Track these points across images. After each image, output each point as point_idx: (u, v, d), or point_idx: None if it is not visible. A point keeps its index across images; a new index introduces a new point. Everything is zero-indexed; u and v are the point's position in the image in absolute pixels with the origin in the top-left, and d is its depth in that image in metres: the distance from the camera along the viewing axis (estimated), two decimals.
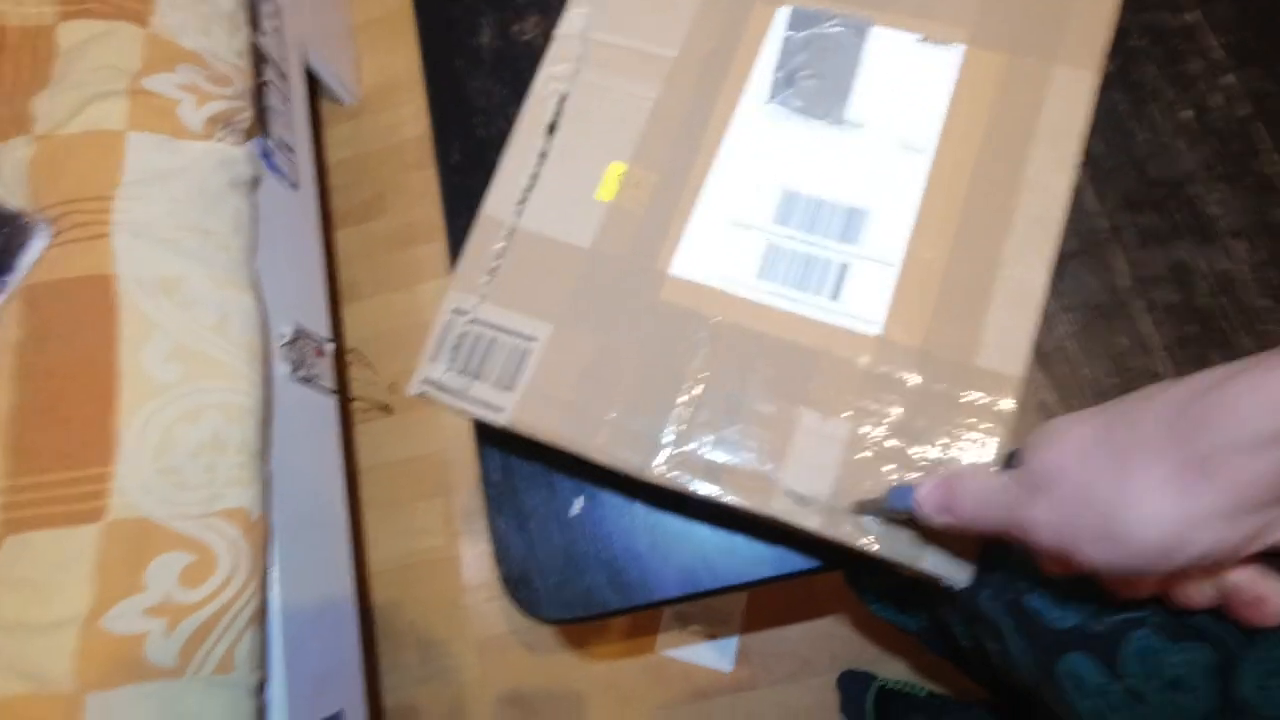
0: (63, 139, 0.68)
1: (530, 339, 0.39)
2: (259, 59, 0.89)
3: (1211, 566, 0.23)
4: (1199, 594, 0.25)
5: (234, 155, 0.75)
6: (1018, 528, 0.24)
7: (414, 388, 0.40)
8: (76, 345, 0.62)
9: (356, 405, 1.00)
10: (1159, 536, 0.21)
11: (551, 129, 0.43)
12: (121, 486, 0.60)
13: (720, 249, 0.38)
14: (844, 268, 0.36)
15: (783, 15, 0.41)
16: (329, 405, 0.87)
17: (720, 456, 0.34)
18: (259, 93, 0.86)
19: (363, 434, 1.02)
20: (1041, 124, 0.36)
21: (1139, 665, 0.28)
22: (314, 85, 1.12)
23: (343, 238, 1.13)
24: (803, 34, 0.41)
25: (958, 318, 0.34)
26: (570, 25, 0.45)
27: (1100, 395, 0.41)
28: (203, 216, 0.70)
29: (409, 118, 1.17)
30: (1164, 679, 0.27)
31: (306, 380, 0.80)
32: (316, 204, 0.95)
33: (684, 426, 0.35)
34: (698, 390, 0.36)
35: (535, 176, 0.42)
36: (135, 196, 0.67)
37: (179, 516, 0.60)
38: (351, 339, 1.06)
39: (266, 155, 0.84)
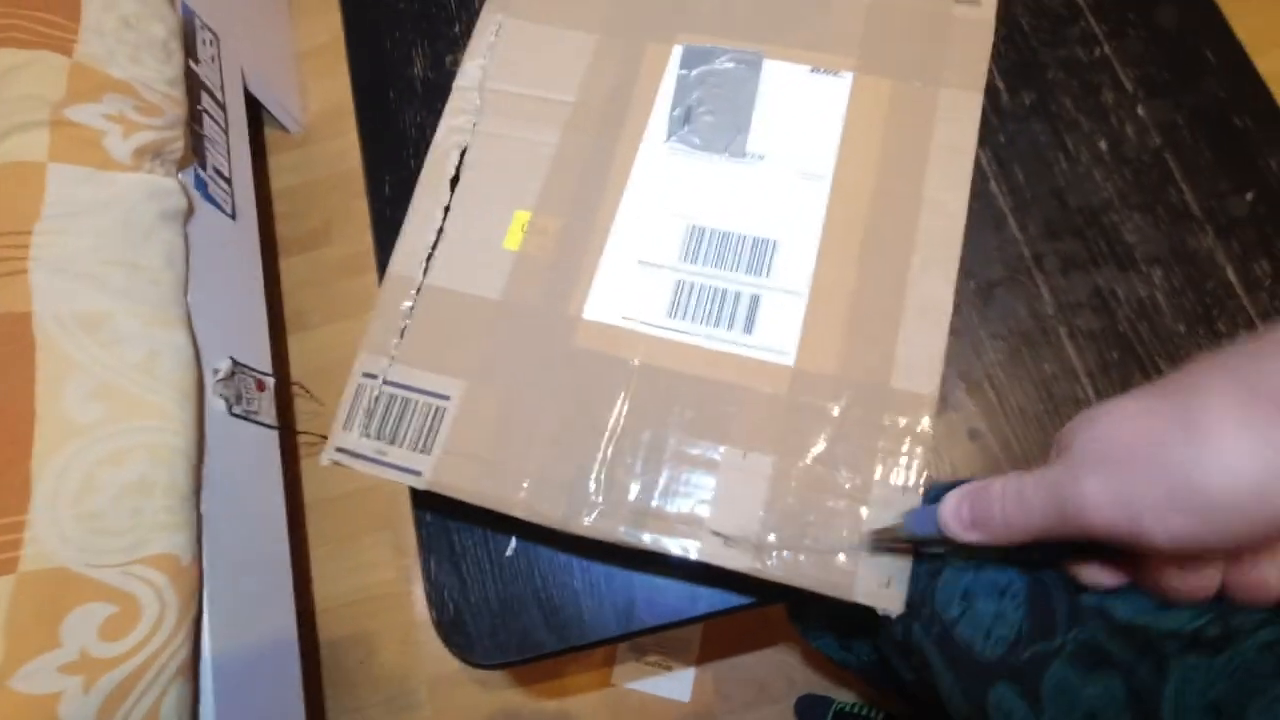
0: None
1: (444, 398, 0.38)
2: (194, 87, 0.87)
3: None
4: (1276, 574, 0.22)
5: (165, 186, 0.72)
6: (1070, 515, 0.21)
7: (326, 457, 0.39)
8: None
9: (302, 439, 0.97)
10: (1248, 486, 0.18)
11: (454, 182, 0.43)
12: (36, 535, 0.56)
13: (631, 289, 0.37)
14: (755, 300, 0.36)
15: (676, 54, 0.42)
16: (270, 440, 0.84)
17: (645, 503, 0.34)
18: (194, 122, 0.84)
19: (308, 468, 0.99)
20: (934, 144, 0.37)
21: (1055, 698, 0.27)
22: (257, 112, 1.10)
23: (289, 266, 1.10)
24: (696, 71, 0.41)
25: (870, 340, 0.34)
26: (467, 77, 0.45)
27: (1029, 422, 0.41)
28: (131, 250, 0.68)
29: (357, 145, 1.15)
30: (1080, 713, 0.27)
31: (245, 416, 0.78)
32: (257, 234, 0.93)
33: (606, 475, 0.35)
34: (618, 436, 0.35)
35: (440, 231, 0.42)
36: (56, 230, 0.65)
37: (100, 565, 0.57)
38: (298, 370, 1.04)
39: (201, 185, 0.82)
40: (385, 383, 0.40)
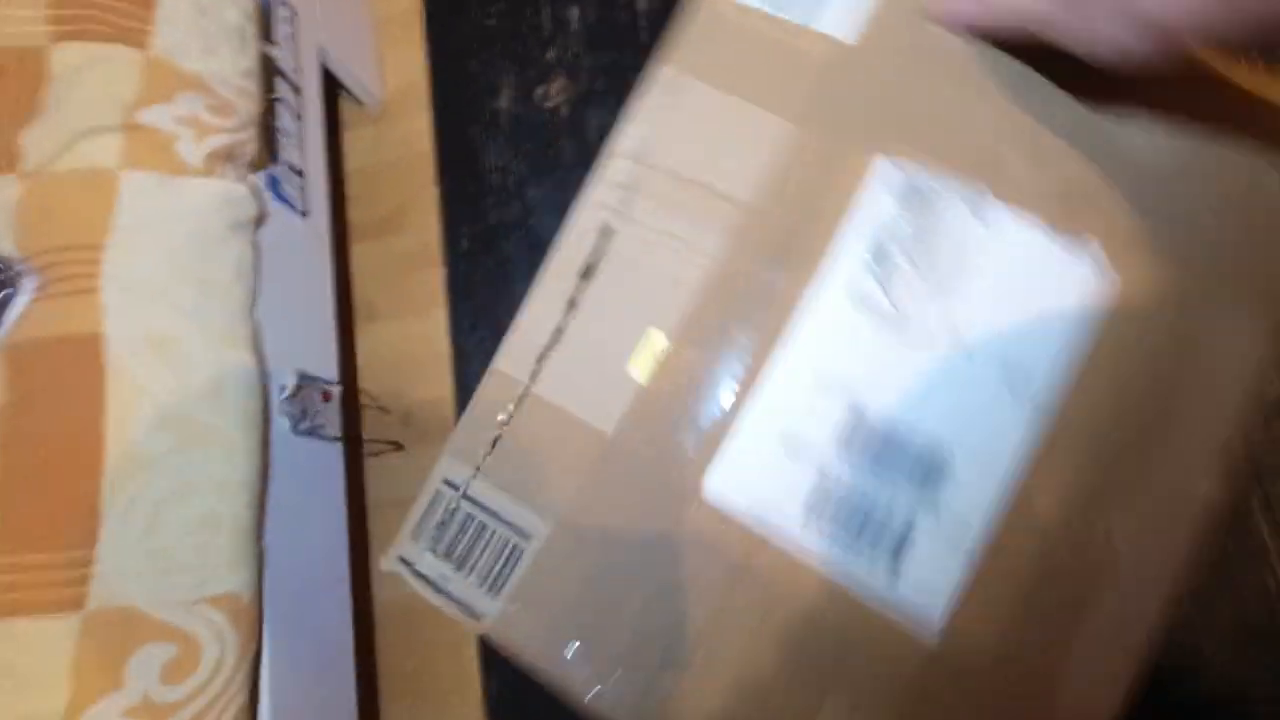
0: (52, 178, 0.63)
1: (526, 535, 0.33)
2: (270, 74, 0.82)
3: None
4: None
5: (237, 194, 0.69)
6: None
7: (387, 564, 0.35)
8: (62, 412, 0.58)
9: (366, 446, 0.96)
10: None
11: (587, 272, 0.36)
12: (104, 571, 0.56)
13: (765, 471, 0.31)
14: (908, 528, 0.29)
15: (883, 172, 0.33)
16: (334, 452, 0.82)
17: None
18: (269, 113, 0.80)
19: (371, 468, 0.98)
20: (1205, 382, 0.28)
21: None
22: (333, 87, 1.06)
23: (359, 253, 1.07)
24: (901, 199, 0.33)
25: (1043, 625, 0.27)
26: (625, 143, 0.36)
27: None
28: (201, 265, 0.65)
29: (432, 125, 1.10)
30: None
31: (310, 432, 0.76)
32: (329, 230, 0.89)
33: (677, 691, 0.30)
34: (700, 652, 0.30)
35: (560, 331, 0.35)
36: (128, 245, 0.62)
37: (165, 604, 0.57)
38: (365, 364, 1.02)
39: (274, 185, 0.79)
40: (465, 497, 0.35)
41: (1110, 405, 0.29)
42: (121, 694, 0.54)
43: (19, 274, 0.61)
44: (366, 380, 1.01)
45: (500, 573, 0.33)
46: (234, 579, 0.60)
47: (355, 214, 1.09)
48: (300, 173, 0.85)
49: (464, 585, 0.34)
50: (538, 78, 0.51)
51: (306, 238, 0.85)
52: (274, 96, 0.82)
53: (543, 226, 0.48)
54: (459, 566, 0.34)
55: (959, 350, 0.30)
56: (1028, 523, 0.28)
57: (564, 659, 0.31)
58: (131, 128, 0.64)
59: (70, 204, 0.62)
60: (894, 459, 0.30)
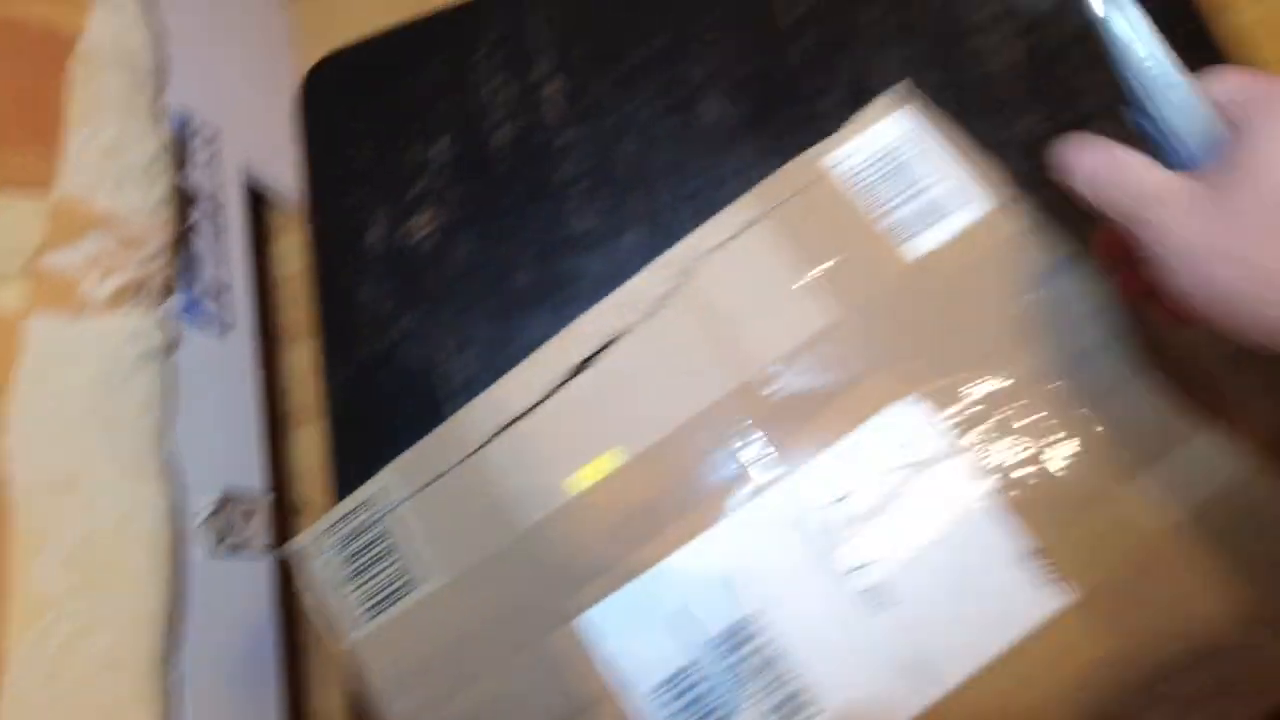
0: None
1: (423, 577, 0.35)
2: (187, 200, 0.85)
3: None
4: None
5: (144, 327, 0.71)
6: (1146, 232, 0.22)
7: (290, 549, 0.36)
8: None
9: None
10: None
11: (580, 368, 0.36)
12: (8, 718, 0.56)
13: (643, 632, 0.32)
14: None
15: (887, 412, 0.34)
16: (261, 566, 0.83)
17: None
18: (183, 241, 0.83)
19: None
20: None
21: None
22: (260, 197, 1.09)
23: (294, 357, 1.09)
24: (889, 447, 0.34)
25: None
26: (679, 252, 0.37)
27: None
28: (107, 402, 0.66)
29: None
30: None
31: (234, 549, 0.76)
32: (251, 344, 0.91)
33: None
34: None
35: (532, 410, 0.36)
36: (33, 390, 0.64)
37: None
38: (301, 468, 1.02)
39: (191, 308, 0.81)
40: (389, 514, 0.36)
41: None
42: None
43: None
44: (304, 484, 1.02)
45: (385, 599, 0.35)
46: (142, 714, 0.59)
47: (288, 318, 1.11)
48: (219, 292, 0.87)
49: (347, 599, 0.35)
50: (404, 212, 0.54)
51: (230, 353, 0.86)
52: (191, 222, 0.85)
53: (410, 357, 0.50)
54: (352, 578, 0.35)
55: (872, 613, 0.31)
56: None
57: (392, 708, 0.33)
58: (35, 274, 0.66)
59: None
60: (767, 683, 0.31)
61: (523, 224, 0.51)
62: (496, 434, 0.35)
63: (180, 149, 0.86)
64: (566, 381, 0.36)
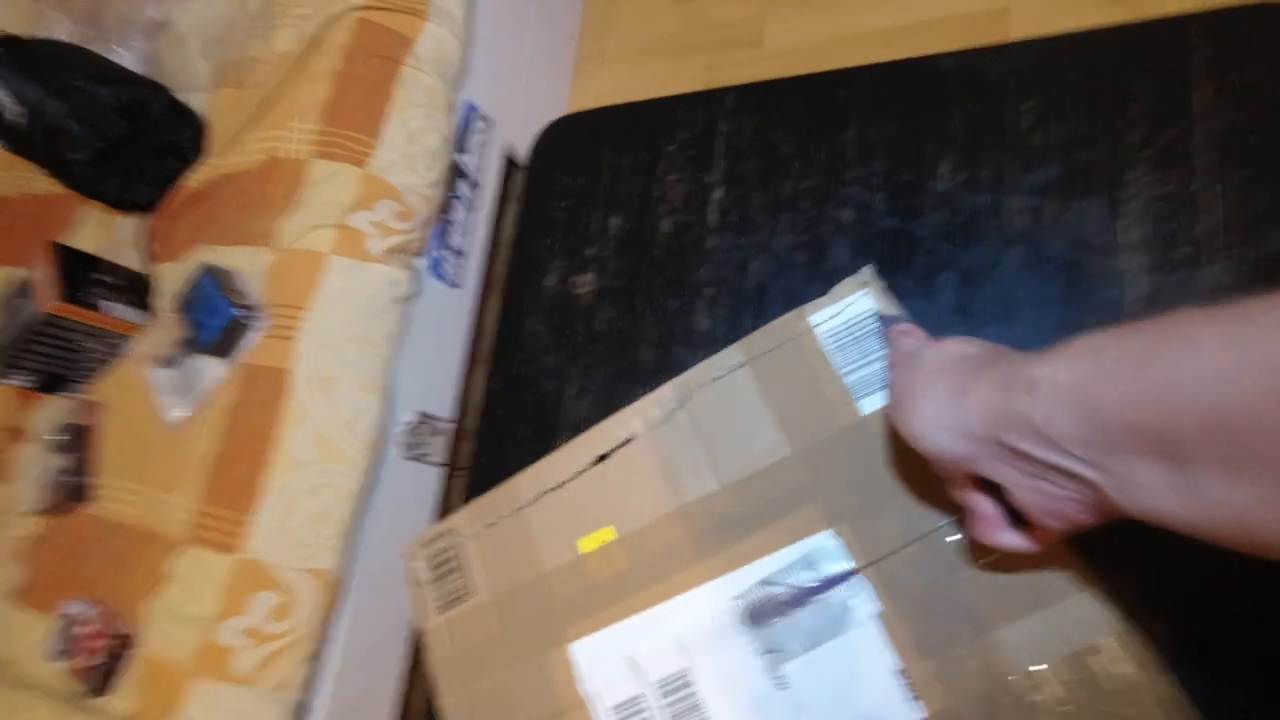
0: (290, 254, 0.91)
1: (474, 591, 0.50)
2: (454, 177, 1.07)
3: (953, 470, 0.33)
4: (958, 497, 0.35)
5: (400, 278, 0.94)
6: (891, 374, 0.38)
7: (404, 550, 0.53)
8: (255, 417, 0.86)
9: (456, 472, 1.19)
10: (919, 424, 0.32)
11: (602, 459, 0.49)
12: (252, 532, 0.82)
13: (609, 665, 0.45)
14: None
15: (821, 536, 0.43)
16: (435, 474, 1.06)
17: None
18: (445, 210, 1.05)
19: (457, 488, 1.21)
20: None
21: None
22: (515, 166, 1.30)
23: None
24: (806, 564, 0.42)
25: None
26: (684, 379, 0.48)
27: None
28: (365, 329, 0.90)
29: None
30: None
31: (419, 458, 0.99)
32: (474, 298, 1.13)
33: None
34: None
35: (563, 485, 0.50)
36: (323, 309, 0.89)
37: (284, 566, 0.82)
38: (479, 403, 1.25)
39: (435, 265, 1.03)
40: (460, 543, 0.52)
41: None
42: (243, 618, 0.80)
43: (258, 316, 0.90)
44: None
45: (450, 601, 0.51)
46: (329, 560, 0.84)
47: (499, 273, 1.33)
48: (463, 253, 1.09)
49: (429, 593, 0.51)
50: (576, 268, 0.67)
51: (454, 304, 1.09)
52: (453, 194, 1.07)
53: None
54: (434, 580, 0.52)
55: (775, 689, 0.41)
56: None
57: (440, 675, 0.47)
58: (342, 226, 0.91)
59: (295, 274, 0.90)
60: None
61: (659, 308, 0.61)
62: (536, 499, 0.48)
63: (462, 136, 1.08)
64: (589, 468, 0.48)
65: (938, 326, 0.51)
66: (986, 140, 0.53)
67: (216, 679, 0.78)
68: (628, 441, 0.48)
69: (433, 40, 0.99)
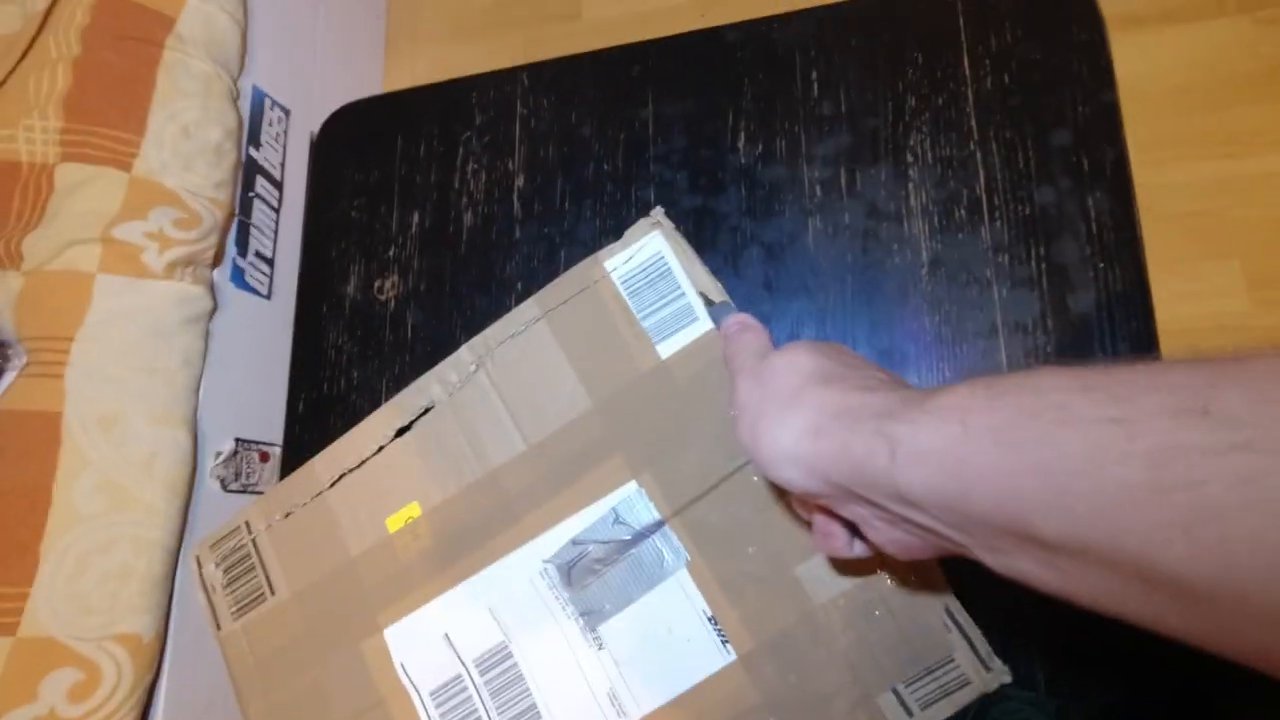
0: (44, 276, 0.78)
1: (272, 591, 0.45)
2: (250, 174, 0.96)
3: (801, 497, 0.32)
4: (803, 515, 0.35)
5: (192, 293, 0.83)
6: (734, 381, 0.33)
7: (193, 552, 0.48)
8: (21, 472, 0.73)
9: None
10: (769, 455, 0.29)
11: (401, 431, 0.46)
12: (35, 606, 0.71)
13: (426, 647, 0.41)
14: None
15: (627, 489, 0.42)
16: None
17: None
18: (243, 211, 0.94)
19: None
20: None
21: None
22: None
23: None
24: (621, 517, 0.41)
25: None
26: (480, 341, 0.46)
27: None
28: (151, 355, 0.79)
29: None
30: None
31: (243, 490, 0.90)
32: (292, 308, 1.03)
33: None
34: None
35: (362, 464, 0.46)
36: (93, 338, 0.77)
37: (78, 638, 0.71)
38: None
39: (238, 274, 0.92)
40: (253, 541, 0.47)
41: None
42: (34, 705, 0.69)
43: (13, 353, 0.77)
44: None
45: (246, 605, 0.45)
46: (137, 621, 0.74)
47: None
48: (269, 260, 0.99)
49: (222, 599, 0.46)
50: (378, 271, 0.61)
51: (269, 316, 0.98)
52: (252, 194, 0.96)
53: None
54: (227, 585, 0.46)
55: (593, 649, 0.40)
56: None
57: (243, 685, 0.43)
58: (108, 240, 0.79)
59: (54, 300, 0.77)
60: (513, 697, 0.40)
61: (468, 309, 0.57)
62: (335, 481, 0.44)
63: (254, 128, 0.96)
64: (389, 442, 0.45)
65: (748, 303, 0.51)
66: (779, 110, 0.53)
67: None
68: (428, 410, 0.45)
69: (199, 18, 0.87)
